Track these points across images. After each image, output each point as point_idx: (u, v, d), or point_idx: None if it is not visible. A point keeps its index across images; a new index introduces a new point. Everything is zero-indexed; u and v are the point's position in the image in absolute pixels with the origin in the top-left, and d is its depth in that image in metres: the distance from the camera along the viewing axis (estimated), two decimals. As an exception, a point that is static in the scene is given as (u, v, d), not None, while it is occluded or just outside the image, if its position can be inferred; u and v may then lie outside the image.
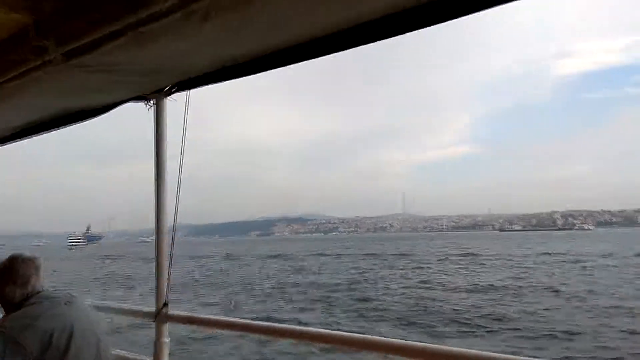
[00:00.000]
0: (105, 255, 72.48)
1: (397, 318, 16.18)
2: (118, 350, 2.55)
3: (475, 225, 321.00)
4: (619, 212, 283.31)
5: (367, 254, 54.84)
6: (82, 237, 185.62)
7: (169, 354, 2.60)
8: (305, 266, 40.09)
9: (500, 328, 14.61)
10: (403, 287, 24.17)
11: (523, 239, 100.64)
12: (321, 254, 57.34)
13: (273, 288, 24.86)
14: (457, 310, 17.25)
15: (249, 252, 68.43)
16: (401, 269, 35.15)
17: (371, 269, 35.51)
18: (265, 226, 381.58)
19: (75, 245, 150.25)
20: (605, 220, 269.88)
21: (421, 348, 1.78)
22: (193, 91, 2.56)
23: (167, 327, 2.59)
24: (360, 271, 34.67)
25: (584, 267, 33.65)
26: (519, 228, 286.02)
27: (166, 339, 2.59)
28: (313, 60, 2.05)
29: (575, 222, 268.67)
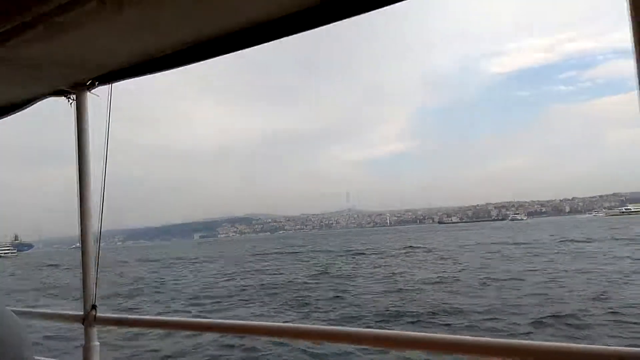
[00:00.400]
0: (43, 263, 68.43)
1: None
2: (42, 357, 2.51)
3: (416, 219, 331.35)
4: (548, 202, 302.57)
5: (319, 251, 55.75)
6: (11, 246, 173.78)
7: (99, 358, 2.53)
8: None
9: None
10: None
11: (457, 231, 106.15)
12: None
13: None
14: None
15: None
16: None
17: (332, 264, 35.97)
18: (209, 228, 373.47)
19: (3, 254, 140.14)
20: (535, 211, 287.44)
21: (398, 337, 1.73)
22: (133, 87, 2.60)
23: (95, 331, 2.54)
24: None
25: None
26: (456, 220, 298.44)
27: (95, 343, 2.53)
28: (251, 54, 2.03)
29: (508, 213, 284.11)
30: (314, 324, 13.43)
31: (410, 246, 52.04)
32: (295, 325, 2.13)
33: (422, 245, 53.00)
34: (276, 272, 32.77)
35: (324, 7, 1.65)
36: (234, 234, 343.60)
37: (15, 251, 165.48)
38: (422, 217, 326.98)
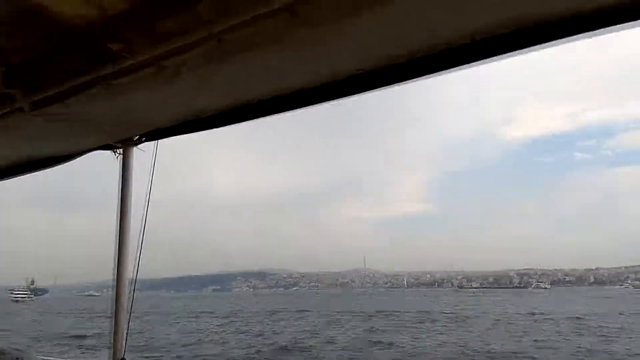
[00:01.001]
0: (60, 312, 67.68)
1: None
2: None
3: (434, 282, 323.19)
4: (571, 270, 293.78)
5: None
6: (28, 290, 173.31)
7: None
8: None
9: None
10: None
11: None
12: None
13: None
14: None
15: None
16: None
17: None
18: (223, 281, 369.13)
19: (21, 298, 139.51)
20: (559, 279, 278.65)
21: None
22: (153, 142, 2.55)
23: None
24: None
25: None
26: (477, 285, 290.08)
27: None
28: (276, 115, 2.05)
29: (530, 280, 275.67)
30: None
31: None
32: None
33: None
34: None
35: (350, 81, 1.77)
36: (247, 288, 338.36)
37: (31, 295, 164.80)
38: (440, 281, 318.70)
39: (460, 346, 25.09)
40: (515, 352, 22.55)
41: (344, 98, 1.85)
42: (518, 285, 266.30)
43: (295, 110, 2.00)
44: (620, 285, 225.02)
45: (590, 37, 1.45)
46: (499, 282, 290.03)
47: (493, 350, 23.12)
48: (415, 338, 29.58)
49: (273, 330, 34.88)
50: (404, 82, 1.71)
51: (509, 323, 40.75)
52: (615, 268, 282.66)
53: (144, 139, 2.58)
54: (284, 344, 26.40)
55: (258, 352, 23.85)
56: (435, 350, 24.56)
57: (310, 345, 26.08)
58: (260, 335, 32.01)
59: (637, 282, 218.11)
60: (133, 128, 2.44)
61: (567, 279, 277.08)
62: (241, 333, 34.07)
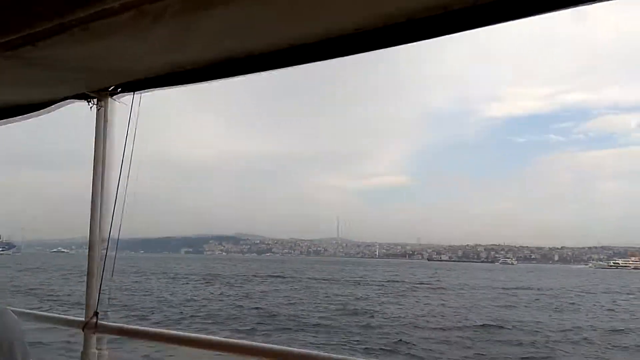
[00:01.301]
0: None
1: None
2: None
3: (405, 253, 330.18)
4: (537, 248, 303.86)
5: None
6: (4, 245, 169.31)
7: None
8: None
9: None
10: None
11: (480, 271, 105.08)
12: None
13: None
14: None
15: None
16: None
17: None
18: (196, 243, 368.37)
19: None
20: (525, 256, 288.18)
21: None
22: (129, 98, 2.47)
23: (94, 339, 2.47)
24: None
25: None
26: (446, 259, 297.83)
27: (95, 350, 2.46)
28: (251, 78, 2.04)
29: (497, 256, 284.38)
30: None
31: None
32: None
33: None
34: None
35: (337, 41, 1.74)
36: (220, 252, 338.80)
37: (8, 251, 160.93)
38: (411, 252, 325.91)
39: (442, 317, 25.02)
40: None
41: (336, 57, 1.82)
42: (485, 260, 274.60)
43: (284, 67, 1.95)
44: (585, 264, 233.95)
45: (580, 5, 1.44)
46: (467, 256, 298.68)
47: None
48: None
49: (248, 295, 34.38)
50: (401, 44, 1.71)
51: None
52: (580, 248, 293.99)
53: (120, 90, 2.50)
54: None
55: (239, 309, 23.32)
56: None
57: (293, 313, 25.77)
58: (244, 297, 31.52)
59: (600, 262, 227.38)
60: (110, 77, 2.36)
61: (533, 256, 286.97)
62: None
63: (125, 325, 2.57)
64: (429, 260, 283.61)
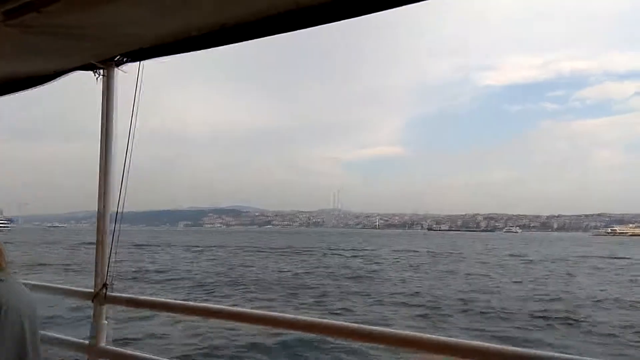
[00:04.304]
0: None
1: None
2: (54, 333, 2.54)
3: (405, 223, 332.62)
4: (535, 217, 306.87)
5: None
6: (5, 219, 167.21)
7: (108, 337, 2.52)
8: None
9: None
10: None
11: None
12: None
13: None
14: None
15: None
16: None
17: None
18: (195, 216, 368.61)
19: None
20: (524, 225, 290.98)
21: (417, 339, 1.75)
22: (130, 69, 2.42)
23: (104, 309, 2.51)
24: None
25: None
26: (446, 228, 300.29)
27: (105, 321, 2.52)
28: (258, 48, 2.13)
29: (497, 224, 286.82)
30: None
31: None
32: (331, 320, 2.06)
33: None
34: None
35: (331, 5, 1.74)
36: (220, 225, 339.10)
37: (9, 225, 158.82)
38: (410, 223, 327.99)
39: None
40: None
41: (337, 20, 1.83)
42: (485, 229, 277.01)
43: (288, 32, 1.91)
44: (584, 232, 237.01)
45: None
46: (467, 225, 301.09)
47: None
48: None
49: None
50: (398, 5, 1.69)
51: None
52: (577, 215, 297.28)
53: (125, 59, 2.44)
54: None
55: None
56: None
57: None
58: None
59: (596, 230, 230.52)
60: (115, 45, 2.29)
61: (532, 224, 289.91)
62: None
63: (135, 296, 2.64)
64: (429, 230, 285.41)
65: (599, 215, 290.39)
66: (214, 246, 58.11)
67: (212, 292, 19.99)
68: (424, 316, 15.46)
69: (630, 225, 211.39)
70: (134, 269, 26.85)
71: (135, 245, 53.46)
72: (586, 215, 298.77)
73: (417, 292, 20.64)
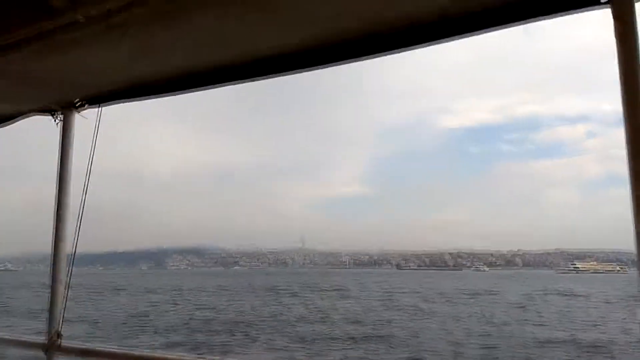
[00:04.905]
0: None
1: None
2: None
3: (373, 262, 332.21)
4: (498, 253, 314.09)
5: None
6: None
7: None
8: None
9: None
10: None
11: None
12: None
13: None
14: None
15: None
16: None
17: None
18: (157, 257, 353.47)
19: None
20: (490, 262, 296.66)
21: None
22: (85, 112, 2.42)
23: None
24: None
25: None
26: (415, 267, 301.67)
27: None
28: (218, 91, 1.95)
29: (464, 262, 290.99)
30: None
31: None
32: None
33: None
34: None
35: (303, 54, 1.74)
36: (185, 266, 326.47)
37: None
38: (379, 261, 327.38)
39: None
40: None
41: (291, 72, 1.82)
42: (453, 267, 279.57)
43: (248, 80, 1.90)
44: (549, 269, 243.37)
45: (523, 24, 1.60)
46: (434, 263, 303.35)
47: None
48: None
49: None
50: (377, 55, 1.75)
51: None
52: (539, 253, 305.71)
53: (86, 104, 2.47)
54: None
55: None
56: None
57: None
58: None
59: (560, 268, 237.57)
60: (75, 90, 2.33)
61: (497, 262, 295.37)
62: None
63: (90, 347, 2.51)
64: (397, 268, 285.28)
65: (559, 251, 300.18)
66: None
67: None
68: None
69: (592, 262, 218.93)
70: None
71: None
72: (548, 253, 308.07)
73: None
